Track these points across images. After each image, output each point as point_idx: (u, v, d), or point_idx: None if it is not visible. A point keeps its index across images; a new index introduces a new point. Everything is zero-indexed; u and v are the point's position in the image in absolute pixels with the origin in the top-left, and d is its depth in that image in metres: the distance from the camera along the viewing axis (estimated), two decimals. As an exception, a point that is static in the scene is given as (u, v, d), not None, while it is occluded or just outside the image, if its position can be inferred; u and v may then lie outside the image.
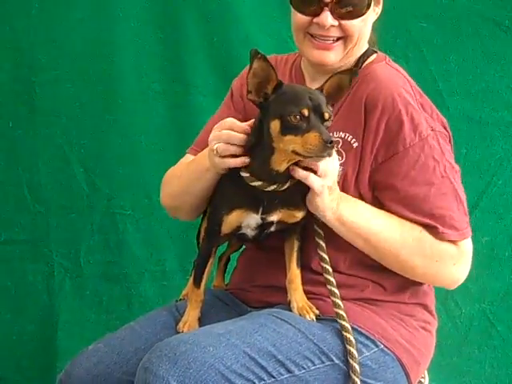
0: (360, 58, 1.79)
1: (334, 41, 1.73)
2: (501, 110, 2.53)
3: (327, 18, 1.69)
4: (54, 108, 2.74)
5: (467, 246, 1.73)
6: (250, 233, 1.71)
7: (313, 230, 1.72)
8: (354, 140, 1.72)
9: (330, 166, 1.61)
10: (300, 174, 1.61)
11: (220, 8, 2.63)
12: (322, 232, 1.72)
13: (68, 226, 2.78)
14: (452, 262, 1.71)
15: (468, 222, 1.73)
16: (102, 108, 2.73)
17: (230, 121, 1.68)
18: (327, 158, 1.57)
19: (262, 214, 1.67)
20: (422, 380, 1.85)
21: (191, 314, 1.74)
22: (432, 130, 1.70)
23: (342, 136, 1.73)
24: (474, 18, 2.53)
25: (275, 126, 1.57)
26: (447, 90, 2.56)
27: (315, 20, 1.71)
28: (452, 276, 1.74)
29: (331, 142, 1.52)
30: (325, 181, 1.61)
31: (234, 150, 1.64)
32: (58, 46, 2.72)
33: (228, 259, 2.02)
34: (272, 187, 1.63)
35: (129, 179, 2.75)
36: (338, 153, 1.72)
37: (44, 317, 2.79)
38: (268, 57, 1.91)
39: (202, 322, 1.75)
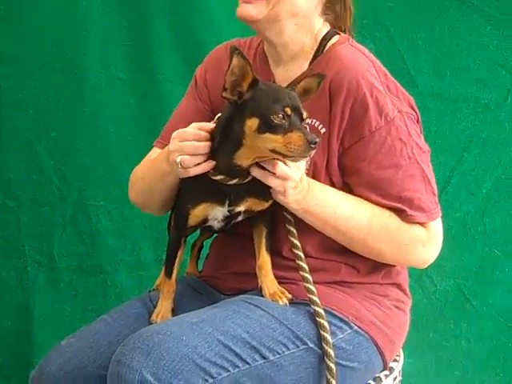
0: (322, 40, 1.76)
1: None
2: (469, 87, 2.54)
3: None
4: (20, 101, 2.71)
5: (437, 226, 1.73)
6: (216, 225, 1.70)
7: (283, 216, 1.72)
8: (321, 126, 1.71)
9: (292, 169, 1.59)
10: (259, 174, 1.60)
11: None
12: (291, 218, 1.71)
13: (40, 220, 2.76)
14: (421, 243, 1.71)
15: (437, 203, 1.73)
16: (69, 99, 2.70)
17: (194, 131, 1.64)
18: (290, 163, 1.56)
19: (228, 207, 1.66)
20: (397, 358, 1.86)
21: (164, 305, 1.73)
22: (398, 112, 1.69)
23: (309, 122, 1.71)
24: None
25: (252, 123, 1.55)
26: (415, 68, 2.56)
27: None
28: (422, 257, 1.74)
29: (315, 142, 1.52)
30: (285, 182, 1.60)
31: (200, 159, 1.62)
32: (21, 38, 2.68)
33: (201, 246, 2.01)
34: (234, 181, 1.63)
35: (100, 170, 2.73)
36: None
37: (19, 312, 2.77)
38: (231, 41, 1.91)
39: (175, 311, 1.74)
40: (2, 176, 2.74)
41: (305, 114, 1.57)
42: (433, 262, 1.78)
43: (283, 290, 1.70)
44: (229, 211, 1.67)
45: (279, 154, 1.55)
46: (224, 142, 1.61)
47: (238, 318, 1.61)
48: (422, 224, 1.71)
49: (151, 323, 1.70)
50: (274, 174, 1.59)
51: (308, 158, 1.64)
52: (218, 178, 1.63)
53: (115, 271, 2.76)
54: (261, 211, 1.70)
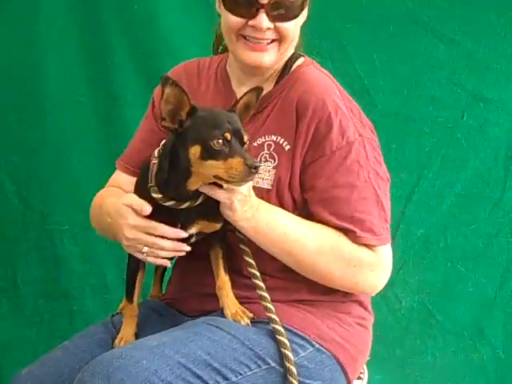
0: (287, 61, 1.80)
1: (269, 43, 1.72)
2: (426, 105, 2.58)
3: (264, 20, 1.68)
4: (-21, 126, 2.70)
5: (386, 253, 1.73)
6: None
7: (236, 236, 1.73)
8: (285, 143, 1.73)
9: (242, 185, 1.60)
10: (205, 189, 1.61)
11: (143, 18, 2.62)
12: (244, 237, 1.72)
13: (2, 246, 2.73)
14: (369, 268, 1.71)
15: (388, 229, 1.74)
16: (30, 124, 2.70)
17: (161, 229, 1.63)
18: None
19: (181, 229, 1.66)
20: (362, 375, 1.87)
21: (127, 330, 1.73)
22: (360, 136, 1.72)
23: (274, 139, 1.74)
24: (395, 18, 2.57)
25: (195, 151, 1.56)
26: (373, 87, 2.60)
27: (251, 23, 1.69)
28: (370, 282, 1.74)
29: (256, 167, 1.52)
30: (232, 195, 1.61)
31: (166, 254, 1.66)
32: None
33: (165, 269, 2.00)
34: (186, 204, 1.63)
35: (63, 194, 2.72)
36: (271, 156, 1.73)
37: (-18, 340, 2.74)
38: (190, 61, 1.93)
39: (138, 336, 1.73)
40: (-37, 201, 2.72)
41: (245, 137, 1.57)
42: (379, 291, 1.77)
43: (244, 309, 1.70)
44: None
45: (222, 179, 1.56)
46: (173, 172, 1.61)
47: (199, 340, 1.61)
48: (371, 248, 1.71)
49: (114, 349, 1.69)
50: (220, 187, 1.60)
51: (273, 172, 1.67)
52: (168, 204, 1.63)
53: (81, 296, 2.74)
54: (213, 233, 1.70)
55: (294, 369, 1.63)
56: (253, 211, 1.66)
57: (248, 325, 1.68)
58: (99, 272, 2.75)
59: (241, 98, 1.64)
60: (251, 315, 1.70)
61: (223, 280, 1.71)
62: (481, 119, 2.56)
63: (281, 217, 1.70)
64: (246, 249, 1.72)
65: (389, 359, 2.64)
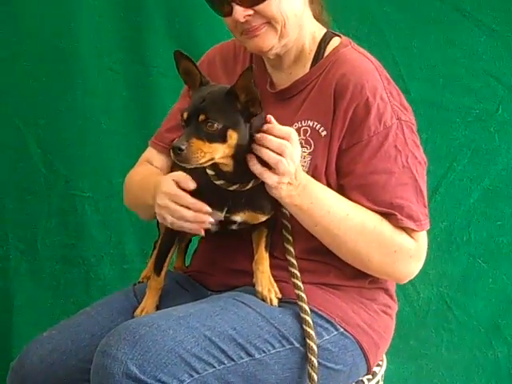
0: (321, 42, 1.76)
1: (260, 27, 1.69)
2: (461, 96, 2.55)
3: (238, 13, 1.67)
4: (9, 86, 2.67)
5: (423, 239, 1.73)
6: (212, 228, 1.69)
7: (279, 211, 1.70)
8: (322, 128, 1.71)
9: (291, 166, 1.57)
10: (255, 168, 1.58)
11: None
12: (287, 213, 1.70)
13: (24, 208, 2.71)
14: (409, 254, 1.71)
15: (427, 215, 1.73)
16: (60, 88, 2.66)
17: (186, 200, 1.61)
18: (286, 157, 1.54)
19: (226, 213, 1.64)
20: (380, 363, 1.86)
21: (149, 302, 1.72)
22: (397, 119, 1.70)
23: (310, 125, 1.72)
24: (435, 3, 2.53)
25: None
26: (409, 74, 2.56)
27: (232, 19, 1.69)
28: (407, 269, 1.73)
29: (174, 148, 1.49)
30: (281, 178, 1.58)
31: (188, 225, 1.63)
32: (14, 23, 2.64)
33: (189, 241, 1.99)
34: (234, 186, 1.61)
35: (88, 161, 2.69)
36: (306, 142, 1.71)
37: (-2, 301, 2.73)
38: (227, 42, 1.92)
39: (159, 308, 1.72)
40: (-14, 161, 2.71)
41: (202, 117, 1.52)
42: (411, 278, 1.76)
43: (276, 289, 1.68)
44: (225, 218, 1.65)
45: None
46: None
47: (225, 315, 1.60)
48: (411, 235, 1.70)
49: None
50: (270, 169, 1.57)
51: (308, 158, 1.67)
52: (219, 182, 1.61)
53: (99, 264, 2.72)
54: (256, 224, 1.69)
55: (315, 347, 1.62)
56: (299, 190, 1.63)
57: (275, 305, 1.67)
58: (119, 241, 2.73)
59: (238, 78, 1.56)
60: (280, 295, 1.68)
61: (262, 256, 1.69)
62: (516, 114, 2.53)
63: (327, 196, 1.68)
64: (288, 224, 1.70)
65: (403, 350, 2.62)
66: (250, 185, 1.61)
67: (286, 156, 1.56)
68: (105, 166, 2.67)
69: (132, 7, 2.63)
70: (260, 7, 1.67)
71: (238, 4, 1.67)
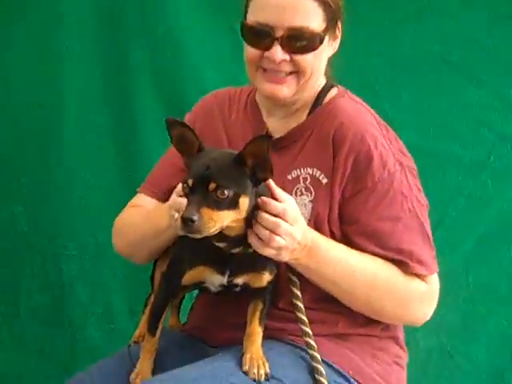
0: (320, 92, 1.76)
1: (287, 75, 1.69)
2: (452, 143, 2.57)
3: (277, 52, 1.65)
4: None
5: (435, 281, 1.72)
6: (213, 289, 1.63)
7: (286, 265, 1.66)
8: (322, 176, 1.69)
9: (288, 241, 1.53)
10: (252, 242, 1.54)
11: (168, 44, 2.59)
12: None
13: (6, 268, 2.64)
14: (421, 299, 1.70)
15: (435, 257, 1.72)
16: (44, 144, 2.62)
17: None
18: (281, 234, 1.51)
19: (228, 277, 1.59)
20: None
21: (145, 365, 1.64)
22: (400, 165, 1.70)
23: (310, 172, 1.70)
24: (424, 55, 2.56)
25: None
26: (399, 123, 2.56)
27: (266, 54, 1.67)
28: (421, 313, 1.72)
29: (189, 220, 1.41)
30: (278, 252, 1.54)
31: None
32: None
33: (183, 297, 1.92)
34: (237, 249, 1.56)
35: (72, 219, 2.63)
36: (307, 189, 1.69)
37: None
38: (222, 90, 1.91)
39: (155, 371, 1.64)
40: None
41: (212, 185, 1.45)
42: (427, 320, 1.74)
43: (265, 361, 1.59)
44: (228, 282, 1.60)
45: None
46: None
47: (238, 375, 1.53)
48: (422, 278, 1.68)
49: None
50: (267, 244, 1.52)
51: (310, 206, 1.65)
52: (221, 245, 1.55)
53: (85, 324, 2.63)
54: (258, 288, 1.62)
55: None
56: (304, 252, 1.59)
57: (264, 377, 1.56)
58: (105, 300, 2.64)
59: (247, 144, 1.49)
60: (268, 371, 1.58)
61: (255, 330, 1.61)
62: (507, 161, 2.55)
63: (335, 254, 1.64)
64: (295, 280, 1.66)
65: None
66: (252, 248, 1.56)
67: (281, 233, 1.52)
68: (90, 223, 2.61)
69: (117, 64, 2.62)
70: (299, 57, 1.67)
71: (280, 45, 1.65)
